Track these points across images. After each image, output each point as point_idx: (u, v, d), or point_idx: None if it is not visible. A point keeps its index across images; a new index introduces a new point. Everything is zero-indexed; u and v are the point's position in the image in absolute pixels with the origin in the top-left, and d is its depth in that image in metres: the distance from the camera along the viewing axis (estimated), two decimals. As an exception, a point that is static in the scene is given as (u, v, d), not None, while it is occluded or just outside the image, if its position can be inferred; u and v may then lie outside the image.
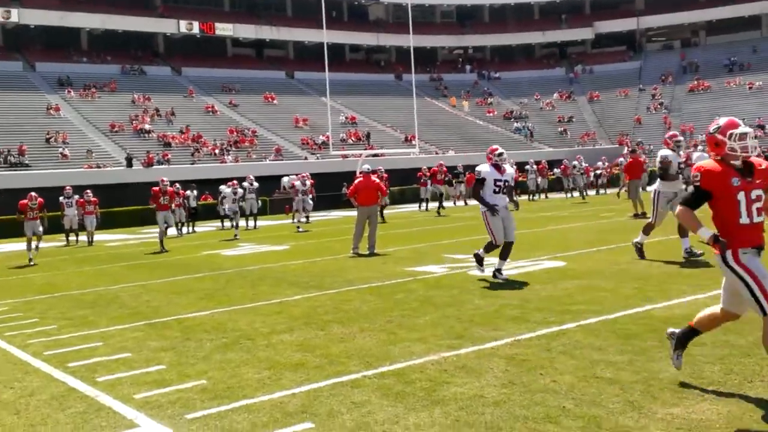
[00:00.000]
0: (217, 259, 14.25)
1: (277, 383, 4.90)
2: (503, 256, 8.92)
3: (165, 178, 17.90)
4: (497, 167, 8.89)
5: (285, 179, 37.04)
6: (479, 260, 8.96)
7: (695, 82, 56.25)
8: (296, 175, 28.75)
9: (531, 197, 30.43)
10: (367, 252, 12.88)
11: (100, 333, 7.28)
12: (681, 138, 9.92)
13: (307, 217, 23.12)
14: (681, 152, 9.62)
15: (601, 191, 32.54)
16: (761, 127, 46.56)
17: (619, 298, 6.83)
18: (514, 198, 9.59)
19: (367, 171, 13.41)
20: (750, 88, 52.50)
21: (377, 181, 13.41)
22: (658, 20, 64.36)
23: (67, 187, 21.54)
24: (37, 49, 49.50)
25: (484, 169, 8.91)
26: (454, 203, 31.27)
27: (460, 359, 5.04)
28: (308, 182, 23.05)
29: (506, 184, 8.94)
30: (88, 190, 21.92)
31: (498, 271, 8.85)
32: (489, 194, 8.81)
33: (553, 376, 4.41)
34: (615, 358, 4.69)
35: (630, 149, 19.01)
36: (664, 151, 9.82)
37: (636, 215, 16.37)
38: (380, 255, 12.54)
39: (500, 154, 8.94)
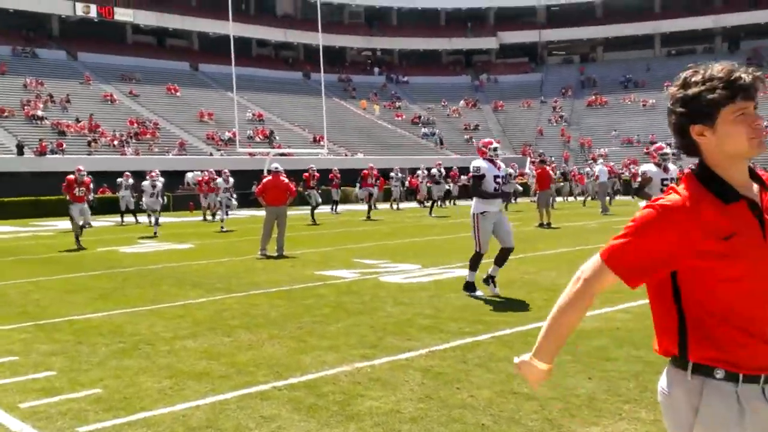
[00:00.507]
0: (115, 256, 13.55)
1: (179, 394, 4.60)
2: (500, 262, 8.03)
3: (81, 167, 16.14)
4: (492, 162, 7.96)
5: (189, 175, 35.85)
6: (471, 288, 7.88)
7: (593, 97, 58.74)
8: (205, 171, 27.84)
9: (441, 204, 30.80)
10: (276, 254, 12.58)
11: (-18, 335, 6.71)
12: (668, 150, 8.97)
13: (222, 219, 21.40)
14: (669, 165, 8.81)
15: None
16: (654, 143, 49.13)
17: (530, 309, 6.89)
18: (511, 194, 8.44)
19: (276, 170, 13.08)
20: (644, 105, 55.29)
21: (286, 181, 13.11)
22: (558, 34, 66.96)
23: None
24: None
25: (482, 164, 7.90)
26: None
27: (375, 371, 4.90)
28: (231, 180, 21.91)
29: (503, 180, 8.04)
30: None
31: (492, 279, 7.95)
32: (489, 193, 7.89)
33: (471, 391, 4.32)
34: (531, 372, 4.66)
35: (539, 160, 19.52)
36: (646, 166, 9.12)
37: (541, 225, 16.82)
38: (289, 257, 12.26)
39: (495, 149, 8.05)
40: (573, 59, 68.60)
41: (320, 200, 23.05)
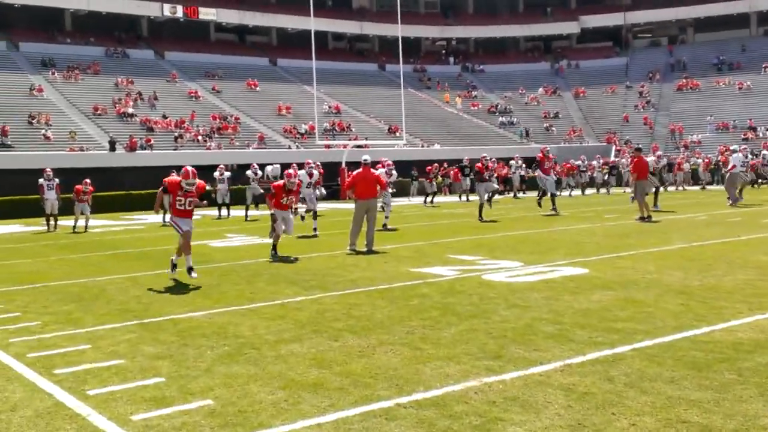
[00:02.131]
0: (206, 251, 13.52)
1: (296, 408, 4.26)
2: None
3: (292, 169, 12.47)
4: None
5: (269, 168, 36.05)
6: None
7: (683, 81, 56.04)
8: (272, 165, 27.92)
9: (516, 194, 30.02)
10: (365, 249, 12.25)
11: (88, 333, 6.62)
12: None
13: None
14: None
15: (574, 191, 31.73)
16: (752, 128, 46.52)
17: (667, 316, 6.21)
18: None
19: (365, 162, 12.70)
20: (739, 88, 52.44)
21: (376, 173, 12.70)
22: (644, 16, 64.20)
23: (48, 170, 20.37)
24: (21, 28, 48.19)
25: None
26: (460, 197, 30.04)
27: (507, 387, 4.42)
28: (316, 172, 20.72)
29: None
30: (87, 179, 20.66)
31: None
32: None
33: (630, 418, 3.77)
34: (695, 396, 4.07)
35: (635, 148, 18.42)
36: None
37: (642, 218, 15.73)
38: (379, 253, 11.91)
39: None
40: (660, 42, 65.69)
41: (496, 187, 19.85)
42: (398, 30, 42.70)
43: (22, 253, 14.48)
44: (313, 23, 38.33)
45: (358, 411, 4.15)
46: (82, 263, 12.39)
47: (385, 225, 16.42)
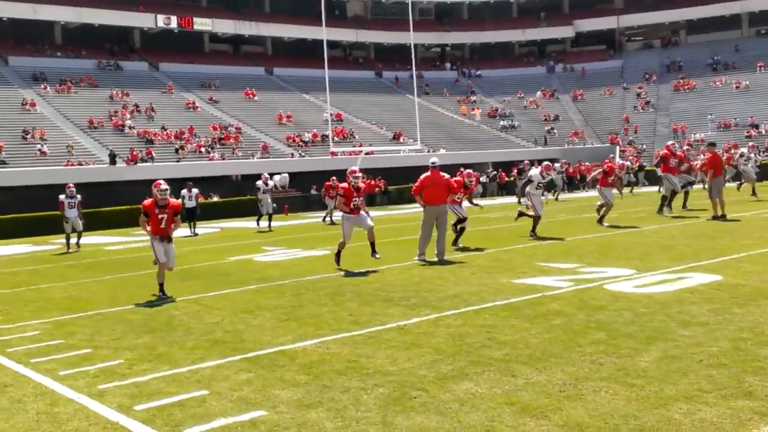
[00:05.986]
0: (255, 267, 12.48)
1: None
2: None
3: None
4: None
5: (277, 177, 35.09)
6: None
7: (680, 81, 55.81)
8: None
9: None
10: (436, 259, 11.32)
11: (191, 374, 5.58)
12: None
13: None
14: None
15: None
16: (755, 126, 46.21)
17: None
18: None
19: (433, 165, 11.75)
20: (737, 87, 52.20)
21: (446, 176, 11.78)
22: (638, 19, 64.14)
23: (70, 185, 18.97)
24: (10, 42, 46.83)
25: None
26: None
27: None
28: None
29: None
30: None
31: None
32: None
33: None
34: None
35: (708, 143, 17.64)
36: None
37: (715, 217, 14.78)
38: (454, 263, 10.95)
39: None
40: (653, 44, 65.56)
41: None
42: (394, 37, 42.09)
43: (48, 276, 13.35)
44: (325, 33, 37.64)
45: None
46: (123, 285, 11.34)
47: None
